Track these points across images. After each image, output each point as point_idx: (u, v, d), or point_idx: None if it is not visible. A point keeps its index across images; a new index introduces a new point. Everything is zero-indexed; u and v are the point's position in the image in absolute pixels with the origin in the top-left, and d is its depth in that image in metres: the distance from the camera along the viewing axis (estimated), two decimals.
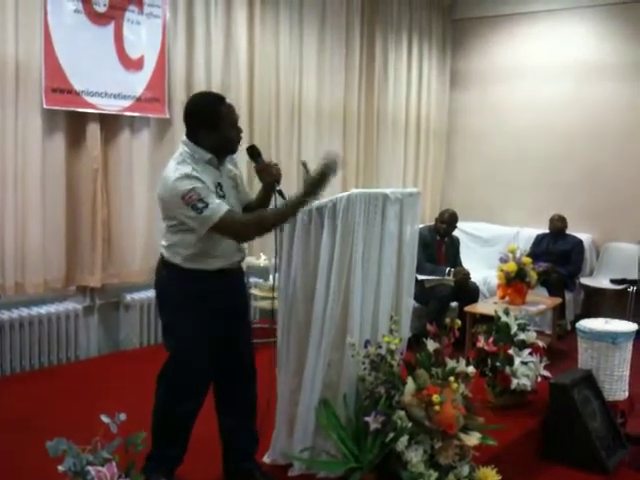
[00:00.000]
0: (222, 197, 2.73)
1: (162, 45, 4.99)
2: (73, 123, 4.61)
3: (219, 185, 2.76)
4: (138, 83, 4.87)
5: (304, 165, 2.84)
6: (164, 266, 2.83)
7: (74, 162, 4.65)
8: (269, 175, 2.89)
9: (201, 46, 5.29)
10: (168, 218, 2.76)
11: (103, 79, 4.66)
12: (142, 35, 4.88)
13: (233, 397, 2.98)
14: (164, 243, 2.82)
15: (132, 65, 4.84)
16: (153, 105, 4.94)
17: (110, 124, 4.78)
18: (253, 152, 2.94)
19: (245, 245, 2.95)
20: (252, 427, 3.04)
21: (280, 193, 2.89)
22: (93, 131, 4.66)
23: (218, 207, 2.63)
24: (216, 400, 2.99)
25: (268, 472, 3.03)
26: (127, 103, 4.80)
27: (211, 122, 2.72)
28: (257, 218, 2.77)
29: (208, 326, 2.78)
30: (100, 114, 4.68)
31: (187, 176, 2.63)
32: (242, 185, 3.01)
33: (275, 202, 2.89)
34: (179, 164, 2.69)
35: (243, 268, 3.06)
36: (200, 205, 2.60)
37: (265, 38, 5.79)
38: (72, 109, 4.54)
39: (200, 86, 5.23)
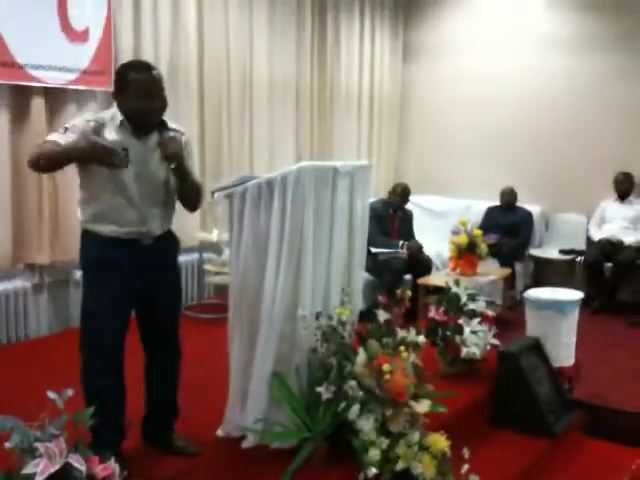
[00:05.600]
0: None
1: (107, 16, 4.86)
2: (17, 97, 4.49)
3: (124, 150, 2.67)
4: (83, 56, 4.75)
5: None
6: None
7: (18, 137, 4.53)
8: (165, 149, 2.70)
9: (148, 17, 5.18)
10: None
11: (47, 52, 4.53)
12: (87, 6, 4.74)
13: (152, 367, 3.01)
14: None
15: (77, 37, 4.71)
16: (99, 78, 4.83)
17: (55, 98, 4.66)
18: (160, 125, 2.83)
19: (152, 218, 2.81)
20: (171, 397, 3.06)
21: (173, 170, 2.76)
22: (38, 105, 4.54)
23: (56, 137, 2.65)
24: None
25: (186, 441, 3.05)
26: (72, 76, 4.68)
27: (119, 88, 2.74)
28: (40, 149, 2.68)
29: (112, 299, 2.76)
30: (45, 88, 4.56)
31: (85, 119, 2.71)
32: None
33: (167, 178, 2.81)
34: (95, 113, 2.87)
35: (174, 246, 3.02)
36: (60, 130, 2.68)
37: (214, 8, 5.69)
38: (15, 83, 4.42)
39: (148, 57, 5.09)
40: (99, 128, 2.68)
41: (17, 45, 4.37)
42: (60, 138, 2.64)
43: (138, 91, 2.67)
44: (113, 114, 2.74)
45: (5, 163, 4.46)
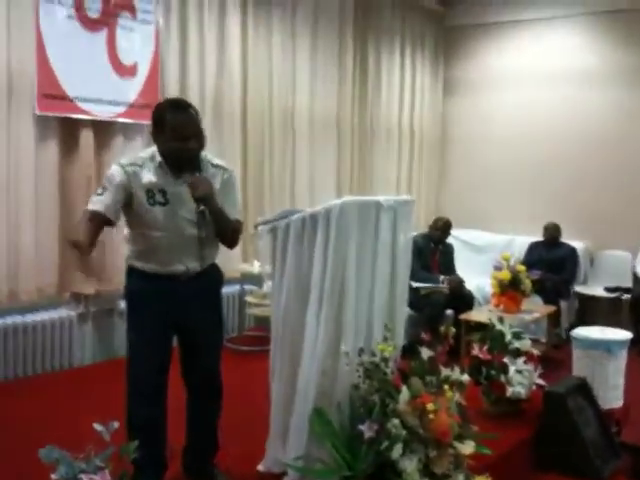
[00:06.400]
0: (161, 204, 2.72)
1: (155, 51, 4.99)
2: (66, 129, 4.60)
3: (162, 191, 2.72)
4: (131, 89, 4.87)
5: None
6: None
7: (67, 169, 4.64)
8: (194, 191, 2.68)
9: (194, 53, 5.30)
10: None
11: (96, 85, 4.65)
12: (135, 41, 4.88)
13: (193, 402, 3.01)
14: None
15: (125, 71, 4.83)
16: (146, 111, 4.88)
17: (103, 130, 4.77)
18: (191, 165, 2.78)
19: (192, 257, 2.81)
20: (211, 433, 3.05)
21: (201, 213, 2.76)
22: (86, 137, 4.65)
23: (94, 201, 2.70)
24: None
25: (227, 477, 3.03)
26: (120, 109, 4.80)
27: (156, 128, 2.74)
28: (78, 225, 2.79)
29: (151, 331, 2.79)
30: (93, 120, 4.67)
31: (121, 164, 2.73)
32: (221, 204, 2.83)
33: (197, 220, 2.77)
34: (134, 154, 2.87)
35: (216, 282, 3.01)
36: (100, 190, 2.72)
37: (258, 45, 5.81)
38: (65, 115, 4.53)
39: (194, 92, 5.24)
40: (137, 172, 2.71)
41: (67, 79, 4.50)
42: (97, 203, 2.69)
43: (174, 132, 2.67)
44: (153, 153, 2.77)
45: (54, 193, 4.56)
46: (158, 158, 2.73)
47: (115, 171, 2.71)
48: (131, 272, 2.87)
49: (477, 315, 5.30)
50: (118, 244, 4.82)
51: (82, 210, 4.49)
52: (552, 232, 6.59)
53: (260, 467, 3.13)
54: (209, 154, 2.90)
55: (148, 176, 2.72)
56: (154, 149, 2.77)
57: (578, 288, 6.63)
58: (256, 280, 5.49)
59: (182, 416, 3.01)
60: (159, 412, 2.87)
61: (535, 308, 5.53)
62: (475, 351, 3.89)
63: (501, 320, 4.07)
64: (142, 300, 2.82)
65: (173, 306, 2.80)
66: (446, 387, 2.86)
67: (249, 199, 5.77)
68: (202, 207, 2.73)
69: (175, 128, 2.66)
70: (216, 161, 2.90)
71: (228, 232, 2.88)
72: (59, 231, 4.59)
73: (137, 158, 2.77)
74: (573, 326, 5.35)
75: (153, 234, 2.74)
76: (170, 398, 2.90)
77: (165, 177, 2.74)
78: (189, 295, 2.82)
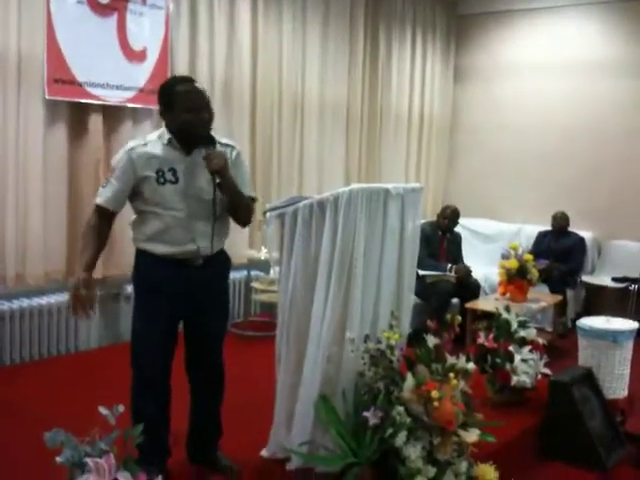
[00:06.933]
0: (172, 182, 2.71)
1: (165, 36, 4.98)
2: (75, 114, 4.60)
3: (172, 170, 2.71)
4: (141, 74, 4.86)
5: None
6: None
7: (76, 153, 4.64)
8: (209, 163, 2.68)
9: (204, 38, 5.28)
10: None
11: (105, 70, 4.65)
12: (145, 26, 4.87)
13: (195, 389, 3.01)
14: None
15: (135, 56, 4.83)
16: (156, 97, 4.90)
17: (112, 115, 4.77)
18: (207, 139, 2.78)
19: (203, 236, 2.79)
20: (214, 419, 3.06)
21: (219, 185, 2.74)
22: (95, 122, 4.65)
23: (98, 194, 2.74)
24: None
25: (231, 461, 3.03)
26: (130, 94, 4.80)
27: (165, 102, 2.73)
28: (85, 230, 2.82)
29: (159, 321, 2.79)
30: (102, 105, 4.67)
31: (125, 150, 2.72)
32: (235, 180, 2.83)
33: (214, 193, 2.75)
34: (142, 137, 2.85)
35: (224, 263, 2.98)
36: (105, 182, 2.75)
37: (268, 31, 5.78)
38: (74, 100, 4.54)
39: (203, 77, 5.22)
40: (143, 153, 2.70)
41: (77, 63, 4.50)
42: (99, 196, 2.74)
43: (186, 104, 2.67)
44: (161, 133, 2.77)
45: (62, 178, 4.57)
46: (167, 136, 2.73)
47: (118, 160, 2.72)
48: (141, 257, 2.84)
49: (483, 304, 5.30)
50: (126, 228, 4.85)
51: (90, 194, 4.59)
52: (560, 221, 6.56)
53: (264, 452, 3.14)
54: (216, 134, 2.87)
55: (156, 155, 2.71)
56: (162, 129, 2.77)
57: (585, 278, 6.61)
58: (263, 266, 5.50)
59: (185, 402, 3.02)
60: (163, 400, 2.87)
61: (541, 297, 5.53)
62: (481, 339, 3.90)
63: (507, 309, 4.08)
64: (152, 286, 2.80)
65: (183, 292, 2.79)
66: (451, 375, 2.87)
67: (257, 186, 5.75)
68: (218, 180, 2.71)
69: (186, 100, 2.67)
70: (224, 140, 2.90)
71: (242, 207, 2.86)
72: (67, 215, 4.61)
73: (143, 139, 2.78)
74: (579, 316, 5.34)
75: (164, 213, 2.72)
76: (173, 384, 2.91)
77: (175, 154, 2.73)
78: (199, 281, 2.81)
